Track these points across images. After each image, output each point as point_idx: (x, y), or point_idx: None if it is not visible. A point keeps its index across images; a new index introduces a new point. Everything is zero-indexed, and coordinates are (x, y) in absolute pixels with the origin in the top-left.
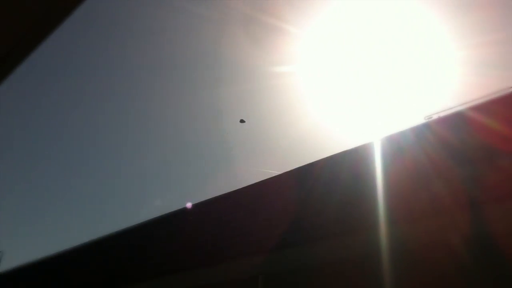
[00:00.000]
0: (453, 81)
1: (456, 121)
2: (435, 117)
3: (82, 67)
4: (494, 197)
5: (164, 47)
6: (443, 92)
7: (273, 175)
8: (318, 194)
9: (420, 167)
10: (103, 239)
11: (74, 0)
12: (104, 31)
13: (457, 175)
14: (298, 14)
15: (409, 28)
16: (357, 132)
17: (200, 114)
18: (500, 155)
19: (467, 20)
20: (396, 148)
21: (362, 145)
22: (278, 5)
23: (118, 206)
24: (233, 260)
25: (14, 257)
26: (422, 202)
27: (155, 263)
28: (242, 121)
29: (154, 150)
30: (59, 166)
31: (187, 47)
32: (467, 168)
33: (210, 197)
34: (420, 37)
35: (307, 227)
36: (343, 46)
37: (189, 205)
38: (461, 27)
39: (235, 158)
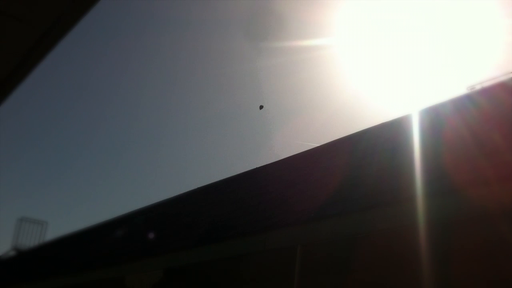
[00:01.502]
0: (498, 50)
1: (500, 91)
2: (478, 87)
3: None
4: None
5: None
6: (487, 61)
7: (311, 147)
8: (356, 166)
9: (460, 139)
10: (147, 208)
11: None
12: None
13: (499, 147)
14: None
15: None
16: (396, 104)
17: (239, 86)
18: None
19: None
20: (436, 120)
21: (400, 117)
22: None
23: (161, 174)
24: (272, 231)
25: (58, 228)
26: (462, 174)
27: (197, 233)
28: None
29: (188, 125)
30: (104, 141)
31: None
32: (509, 140)
33: (250, 169)
34: (463, 4)
35: (345, 198)
36: (382, 14)
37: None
38: None
39: (274, 130)
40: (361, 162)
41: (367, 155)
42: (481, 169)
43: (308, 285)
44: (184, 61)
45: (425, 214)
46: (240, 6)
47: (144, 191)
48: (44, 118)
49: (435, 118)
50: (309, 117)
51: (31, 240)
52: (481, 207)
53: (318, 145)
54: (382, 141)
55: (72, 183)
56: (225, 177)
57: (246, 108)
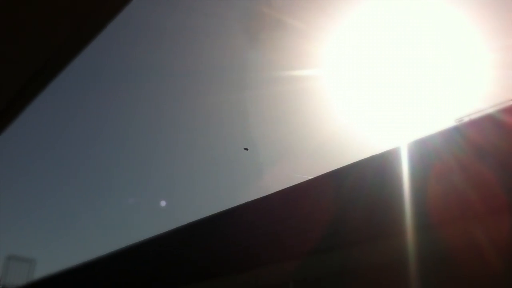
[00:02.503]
0: (485, 82)
1: (488, 124)
2: (465, 119)
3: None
4: None
5: (177, 50)
6: (474, 94)
7: (301, 180)
8: (345, 200)
9: (449, 172)
10: (135, 246)
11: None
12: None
13: (487, 180)
14: (321, 15)
15: (440, 29)
16: (384, 137)
17: (226, 117)
18: None
19: (501, 22)
20: (425, 152)
21: (389, 150)
22: (301, 7)
23: (149, 211)
24: (263, 267)
25: (47, 266)
26: (451, 208)
27: (186, 272)
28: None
29: (176, 160)
30: (90, 177)
31: (203, 50)
32: (498, 172)
33: (240, 203)
34: (451, 38)
35: (336, 233)
36: (368, 47)
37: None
38: (494, 28)
39: (263, 165)
40: (350, 196)
41: (355, 189)
42: (470, 202)
43: None
44: (164, 94)
45: (415, 248)
46: (228, 32)
47: (132, 229)
48: (31, 157)
49: (424, 151)
50: (296, 150)
51: (19, 278)
52: (471, 241)
53: (310, 177)
54: (370, 175)
55: (59, 221)
56: (213, 213)
57: (233, 141)
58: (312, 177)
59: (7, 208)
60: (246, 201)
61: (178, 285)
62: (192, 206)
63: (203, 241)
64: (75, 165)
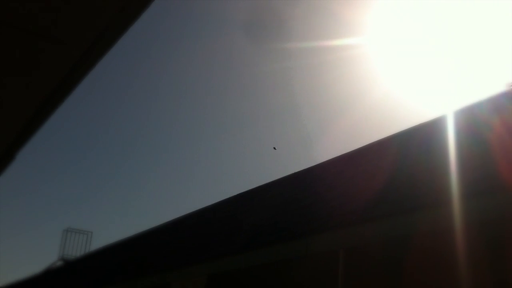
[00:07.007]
0: None
1: None
2: None
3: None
4: None
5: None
6: None
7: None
8: (395, 168)
9: (498, 139)
10: (190, 215)
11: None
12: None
13: None
14: None
15: None
16: (430, 105)
17: (275, 87)
18: None
19: None
20: (472, 121)
21: (436, 118)
22: None
23: (201, 182)
24: (313, 235)
25: (102, 237)
26: (502, 175)
27: (239, 239)
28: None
29: (227, 130)
30: (148, 153)
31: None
32: None
33: (291, 173)
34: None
35: (386, 201)
36: (415, 12)
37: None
38: None
39: (314, 134)
40: (399, 164)
41: (406, 157)
42: None
43: None
44: (216, 63)
45: (464, 216)
46: (268, 5)
47: (185, 199)
48: (88, 132)
49: (471, 119)
50: (342, 119)
51: (77, 250)
52: None
53: (357, 147)
54: (417, 143)
55: (115, 192)
56: (264, 183)
57: (277, 110)
58: (360, 147)
59: (63, 183)
60: (295, 171)
61: (229, 254)
62: (241, 177)
63: (254, 210)
64: (130, 140)
